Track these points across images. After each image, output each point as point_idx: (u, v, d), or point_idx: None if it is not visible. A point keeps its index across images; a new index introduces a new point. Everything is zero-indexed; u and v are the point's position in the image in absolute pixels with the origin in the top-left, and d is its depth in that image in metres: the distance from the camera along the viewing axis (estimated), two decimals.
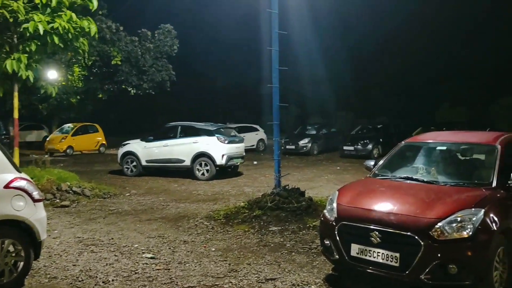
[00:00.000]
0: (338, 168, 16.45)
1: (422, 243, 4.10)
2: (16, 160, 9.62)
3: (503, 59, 30.55)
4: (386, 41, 34.98)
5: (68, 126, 23.94)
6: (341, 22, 33.43)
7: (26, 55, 9.32)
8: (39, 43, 9.37)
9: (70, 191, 10.02)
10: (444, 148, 5.65)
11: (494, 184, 4.77)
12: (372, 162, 5.95)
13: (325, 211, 5.09)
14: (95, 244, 6.42)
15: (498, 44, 30.77)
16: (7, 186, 4.62)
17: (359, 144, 20.04)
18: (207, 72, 38.98)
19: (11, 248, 4.59)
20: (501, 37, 30.21)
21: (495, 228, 4.23)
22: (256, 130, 24.82)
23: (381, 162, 5.84)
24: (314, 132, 23.07)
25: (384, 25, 33.01)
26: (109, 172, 15.32)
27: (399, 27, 32.71)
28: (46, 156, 19.44)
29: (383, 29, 33.14)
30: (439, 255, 4.10)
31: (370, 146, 19.72)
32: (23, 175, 4.89)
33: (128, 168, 14.47)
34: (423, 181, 5.07)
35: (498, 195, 4.65)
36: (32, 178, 5.46)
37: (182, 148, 13.71)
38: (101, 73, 25.67)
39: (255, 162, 18.20)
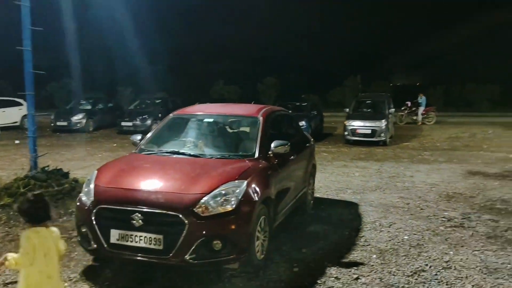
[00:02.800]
0: (115, 145, 15.48)
1: (186, 221, 3.82)
2: None
3: (265, 43, 33.90)
4: (166, 20, 34.76)
5: None
6: None
7: None
8: None
9: None
10: (211, 120, 5.53)
11: (256, 155, 4.83)
12: (138, 137, 5.44)
13: (81, 194, 4.38)
14: None
15: (261, 30, 33.79)
16: None
17: (138, 119, 19.35)
18: None
19: None
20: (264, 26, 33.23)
21: (257, 199, 4.25)
22: (19, 104, 21.51)
23: (148, 135, 5.39)
24: (89, 107, 21.26)
25: (164, 6, 32.72)
26: None
27: (178, 8, 32.88)
28: None
29: (166, 9, 32.81)
30: (204, 232, 3.89)
31: (149, 122, 19.22)
32: None
33: None
34: (190, 155, 4.83)
35: (260, 165, 4.73)
36: None
37: None
38: None
39: (17, 141, 15.67)
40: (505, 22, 32.73)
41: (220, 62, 39.90)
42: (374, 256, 4.91)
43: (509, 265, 4.67)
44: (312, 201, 6.90)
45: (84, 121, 19.77)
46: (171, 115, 5.74)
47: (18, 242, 5.11)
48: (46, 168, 7.28)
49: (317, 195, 7.56)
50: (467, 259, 4.85)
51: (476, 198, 7.53)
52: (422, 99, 22.10)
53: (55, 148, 14.32)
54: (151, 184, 4.19)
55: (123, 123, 19.38)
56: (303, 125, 14.91)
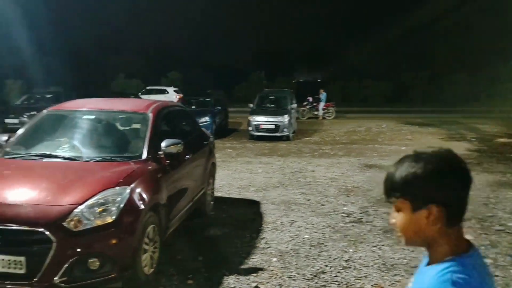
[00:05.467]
0: None
1: (53, 238, 3.20)
2: None
3: (170, 37, 33.00)
4: (63, 10, 32.39)
5: None
6: None
7: None
8: None
9: None
10: (92, 117, 4.86)
11: (144, 156, 4.30)
12: (4, 137, 4.62)
13: None
14: None
15: (166, 24, 32.93)
16: None
17: (25, 115, 17.49)
18: None
19: None
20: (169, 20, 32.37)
21: (143, 206, 3.74)
22: None
23: (15, 136, 4.59)
24: None
25: None
26: None
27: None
28: None
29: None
30: (78, 249, 3.30)
31: None
32: None
33: None
34: (63, 158, 4.15)
35: (148, 167, 4.21)
36: None
37: None
38: None
39: None
40: (400, 23, 35.15)
41: (122, 55, 38.03)
42: (275, 259, 4.65)
43: (404, 260, 4.67)
44: (212, 202, 6.51)
45: None
46: (44, 111, 4.97)
47: None
48: None
49: (218, 194, 7.20)
50: (365, 256, 4.78)
51: (373, 192, 7.66)
52: (323, 95, 22.79)
53: None
54: (11, 195, 3.48)
55: (7, 120, 17.40)
56: (206, 121, 14.52)
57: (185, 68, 33.72)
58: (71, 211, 3.33)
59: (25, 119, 17.33)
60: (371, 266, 4.52)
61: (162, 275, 4.15)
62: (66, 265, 3.24)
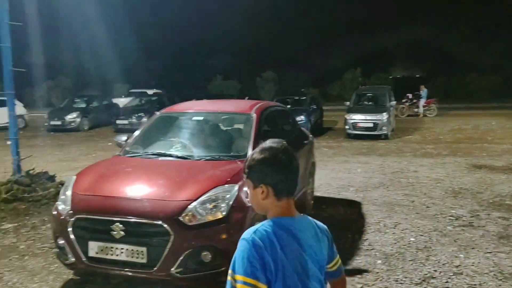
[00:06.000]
0: (110, 144, 15.05)
1: (171, 231, 3.44)
2: None
3: (264, 38, 33.51)
4: (163, 16, 34.57)
5: None
6: None
7: None
8: None
9: None
10: (201, 118, 5.13)
11: (249, 155, 4.43)
12: (123, 138, 5.06)
13: (58, 202, 4.00)
14: None
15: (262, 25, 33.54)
16: None
17: (134, 117, 18.96)
18: None
19: None
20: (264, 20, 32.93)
21: (250, 204, 3.86)
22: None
23: (133, 136, 5.00)
24: (83, 105, 20.88)
25: (161, 1, 32.31)
26: None
27: (175, 4, 32.48)
28: None
29: (161, 5, 32.42)
30: (191, 242, 3.51)
31: (145, 119, 18.82)
32: None
33: None
34: (176, 157, 4.44)
35: None
36: None
37: None
38: None
39: (8, 142, 15.29)
40: (507, 13, 32.27)
41: (219, 57, 39.45)
42: (379, 261, 4.54)
43: None
44: (312, 201, 6.53)
45: (78, 120, 19.39)
46: (158, 113, 5.34)
47: None
48: (30, 172, 6.91)
49: (317, 194, 7.19)
50: (479, 263, 4.48)
51: (483, 194, 7.15)
52: (423, 91, 21.68)
53: (48, 148, 13.95)
54: (132, 190, 3.81)
55: (118, 121, 18.99)
56: (302, 120, 14.55)
57: (280, 68, 34.09)
58: (186, 206, 3.55)
59: (133, 120, 18.79)
60: (486, 273, 4.23)
61: None
62: (181, 257, 3.46)
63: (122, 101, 29.04)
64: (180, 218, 3.50)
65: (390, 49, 44.48)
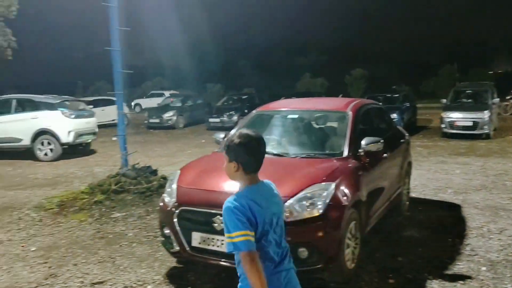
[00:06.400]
0: (203, 141, 15.79)
1: None
2: None
3: (352, 33, 32.80)
4: (251, 16, 35.25)
5: None
6: None
7: None
8: None
9: None
10: (296, 116, 5.19)
11: (345, 153, 4.42)
12: (222, 135, 5.27)
13: (164, 194, 4.30)
14: None
15: (350, 21, 32.84)
16: None
17: (225, 115, 19.63)
18: (61, 39, 35.10)
19: None
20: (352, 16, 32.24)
21: (347, 203, 3.85)
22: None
23: (230, 134, 5.19)
24: (179, 104, 22.05)
25: (249, 1, 33.01)
26: None
27: (262, 3, 32.98)
28: None
29: (249, 5, 33.10)
30: (289, 238, 3.56)
31: (235, 117, 19.40)
32: None
33: None
34: (273, 154, 4.54)
35: (350, 165, 4.31)
36: None
37: (18, 125, 11.71)
38: None
39: (114, 138, 16.60)
40: None
41: (306, 55, 39.31)
42: (484, 268, 4.28)
43: None
44: (407, 202, 6.31)
45: (174, 118, 20.50)
46: (254, 111, 5.50)
47: (108, 239, 5.27)
48: (136, 166, 7.46)
49: (412, 194, 6.93)
50: None
51: None
52: None
53: (148, 144, 14.95)
54: (232, 185, 3.97)
55: (211, 119, 19.80)
56: (394, 118, 14.03)
57: (369, 64, 33.12)
58: (284, 203, 3.62)
59: (225, 118, 19.44)
60: None
61: (362, 271, 4.21)
62: None
63: (144, 102, 31.20)
64: None
65: (490, 42, 41.17)
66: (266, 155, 4.52)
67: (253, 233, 1.98)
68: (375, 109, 5.84)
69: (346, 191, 3.92)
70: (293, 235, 3.58)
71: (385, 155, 5.05)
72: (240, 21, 34.99)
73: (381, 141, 4.56)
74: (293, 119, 5.17)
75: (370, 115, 5.48)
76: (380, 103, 15.68)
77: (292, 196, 3.67)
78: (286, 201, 3.63)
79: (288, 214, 3.59)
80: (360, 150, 4.51)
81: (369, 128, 5.23)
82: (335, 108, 5.20)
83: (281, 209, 2.26)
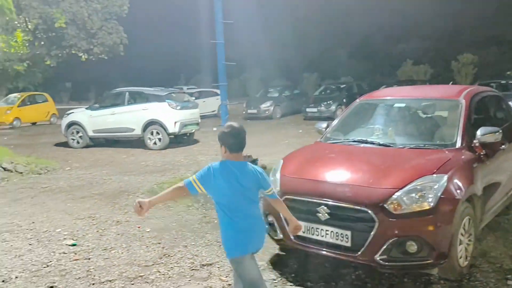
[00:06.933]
0: (300, 131, 15.82)
1: (376, 218, 3.45)
2: None
3: (462, 18, 30.40)
4: (349, 3, 34.25)
5: (14, 96, 22.30)
6: None
7: None
8: None
9: None
10: (403, 105, 4.97)
11: (458, 144, 4.15)
12: (324, 125, 5.24)
13: None
14: (11, 231, 5.54)
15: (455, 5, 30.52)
16: None
17: (322, 105, 19.46)
18: (164, 33, 37.18)
19: None
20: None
21: (460, 196, 3.62)
22: (217, 94, 23.76)
23: (334, 123, 5.14)
24: (276, 94, 22.29)
25: None
26: (55, 145, 14.20)
27: None
28: None
29: None
30: (396, 231, 3.47)
31: (333, 107, 19.16)
32: None
33: (74, 139, 13.39)
34: (379, 144, 4.40)
35: (463, 157, 4.04)
36: None
37: (131, 116, 12.70)
38: (47, 38, 23.78)
39: (214, 129, 17.22)
40: None
41: (407, 41, 37.35)
42: None
43: None
44: None
45: (271, 108, 20.77)
46: (357, 100, 5.37)
47: (213, 224, 5.51)
48: None
49: None
50: None
51: None
52: None
53: (247, 134, 15.34)
54: (337, 175, 3.94)
55: (308, 109, 19.75)
56: None
57: (480, 49, 30.52)
58: (391, 194, 3.51)
59: (322, 108, 19.26)
60: None
61: (476, 270, 3.94)
62: (386, 245, 3.45)
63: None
64: (385, 206, 3.48)
65: None
66: (371, 145, 4.46)
67: (201, 186, 2.77)
68: (491, 97, 5.38)
69: (460, 184, 3.69)
70: (401, 227, 3.48)
71: (503, 146, 4.65)
72: (336, 8, 34.20)
73: (499, 131, 4.21)
74: (399, 108, 4.96)
75: (485, 104, 5.07)
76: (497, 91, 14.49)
77: (401, 188, 3.53)
78: (393, 193, 3.51)
79: (396, 206, 3.47)
80: (475, 141, 4.20)
81: (484, 117, 4.84)
82: (446, 96, 4.90)
83: (253, 184, 2.82)
